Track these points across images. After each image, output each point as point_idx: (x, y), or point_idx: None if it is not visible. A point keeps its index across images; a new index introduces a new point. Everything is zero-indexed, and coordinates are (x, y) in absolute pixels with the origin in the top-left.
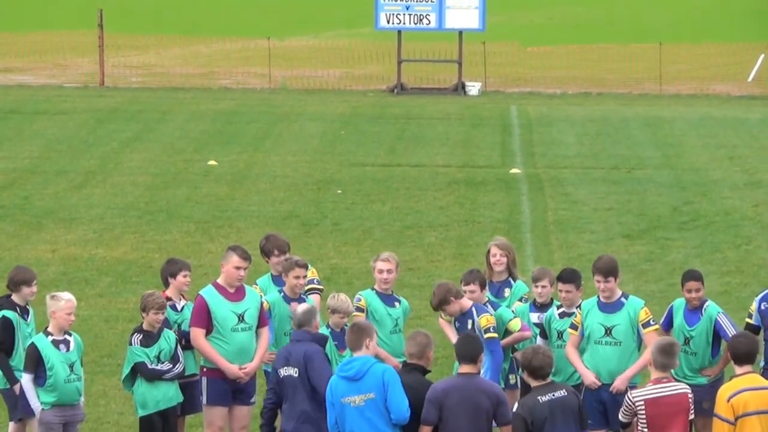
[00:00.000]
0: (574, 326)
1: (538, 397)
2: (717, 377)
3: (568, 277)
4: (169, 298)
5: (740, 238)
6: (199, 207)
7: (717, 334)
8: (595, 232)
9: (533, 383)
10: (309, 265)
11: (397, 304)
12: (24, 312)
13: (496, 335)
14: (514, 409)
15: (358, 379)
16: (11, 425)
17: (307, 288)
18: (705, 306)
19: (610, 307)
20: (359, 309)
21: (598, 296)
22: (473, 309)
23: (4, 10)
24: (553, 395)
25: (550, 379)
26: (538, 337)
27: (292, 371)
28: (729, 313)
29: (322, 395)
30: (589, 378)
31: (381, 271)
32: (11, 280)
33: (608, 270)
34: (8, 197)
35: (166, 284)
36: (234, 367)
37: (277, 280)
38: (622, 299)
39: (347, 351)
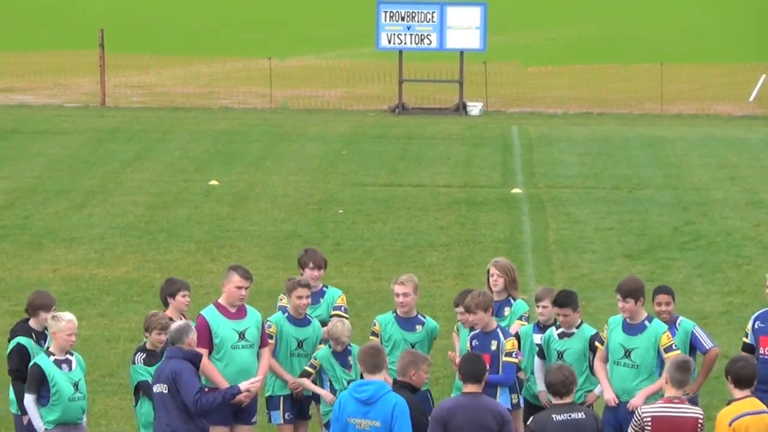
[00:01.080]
0: (600, 341)
1: (553, 415)
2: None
3: (563, 301)
4: (170, 318)
5: (741, 258)
6: (200, 227)
7: (693, 347)
8: (596, 251)
9: (553, 401)
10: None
11: (418, 327)
12: (41, 338)
13: (516, 361)
14: (528, 423)
15: (370, 403)
16: None
17: (332, 314)
18: (678, 321)
19: (632, 328)
20: (374, 334)
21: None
22: (499, 330)
23: (4, 30)
24: (569, 416)
25: (571, 399)
26: (536, 358)
27: (162, 388)
28: (731, 333)
29: (192, 410)
30: (609, 394)
31: (397, 295)
32: (30, 304)
33: (628, 291)
34: (9, 217)
35: (166, 304)
36: (236, 388)
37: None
38: (646, 322)
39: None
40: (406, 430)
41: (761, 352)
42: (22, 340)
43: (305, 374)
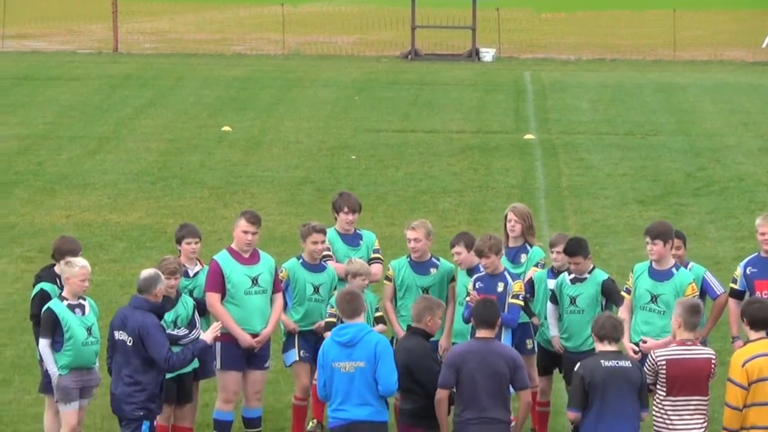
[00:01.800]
0: (627, 290)
1: (601, 361)
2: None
3: (573, 250)
4: (183, 265)
5: (754, 203)
6: (213, 173)
7: (703, 292)
8: (609, 197)
9: (600, 347)
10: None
11: (433, 270)
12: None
13: (521, 303)
14: (575, 368)
15: (352, 345)
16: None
17: (372, 257)
18: (689, 266)
19: (659, 274)
20: (387, 278)
21: (651, 261)
22: (506, 273)
23: None
24: (617, 363)
25: (618, 347)
26: (549, 303)
27: (125, 337)
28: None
29: (161, 366)
30: (628, 350)
31: (409, 240)
32: (57, 250)
33: (657, 233)
34: (22, 163)
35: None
36: (248, 336)
37: (346, 237)
38: (673, 269)
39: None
40: (390, 367)
41: (759, 295)
42: (45, 285)
43: (330, 325)
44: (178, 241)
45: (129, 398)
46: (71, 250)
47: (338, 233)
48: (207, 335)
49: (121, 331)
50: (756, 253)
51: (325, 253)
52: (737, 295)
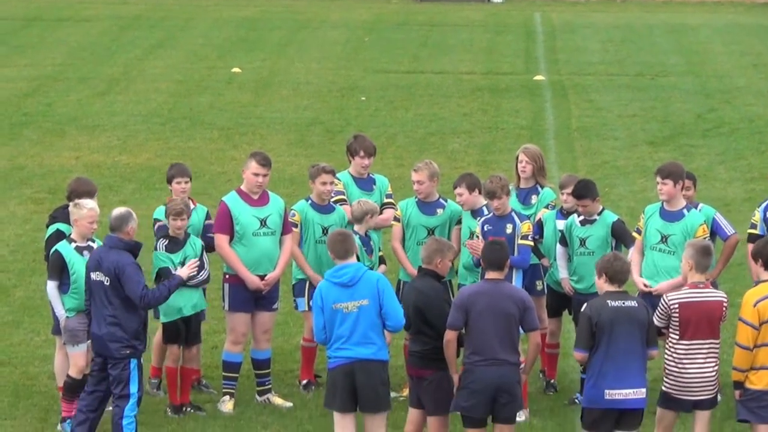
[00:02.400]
0: (638, 230)
1: (608, 301)
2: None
3: (580, 193)
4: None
5: (764, 144)
6: (223, 114)
7: (713, 234)
8: (618, 138)
9: (607, 287)
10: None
11: (439, 210)
12: None
13: (531, 243)
14: (582, 309)
15: (352, 285)
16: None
17: (385, 201)
18: (699, 208)
19: (670, 215)
20: (396, 219)
21: (662, 202)
22: (514, 214)
23: None
24: (623, 303)
25: (624, 288)
26: (558, 245)
27: (103, 278)
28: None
29: (136, 303)
30: (639, 280)
31: (413, 182)
32: (73, 191)
33: (668, 172)
34: (31, 104)
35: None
36: (255, 278)
37: (360, 181)
38: (684, 210)
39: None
40: (395, 301)
41: None
42: (61, 226)
43: None
44: (169, 181)
45: (113, 338)
46: (87, 191)
47: (352, 177)
48: (182, 271)
49: (97, 272)
50: None
51: (339, 197)
52: (755, 240)
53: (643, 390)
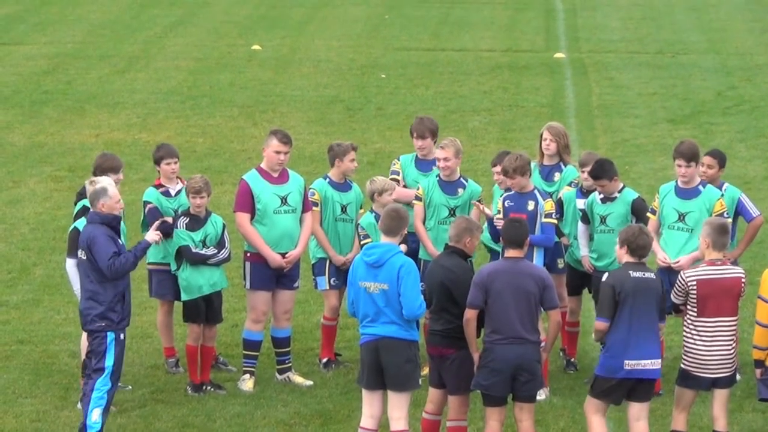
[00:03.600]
0: (653, 211)
1: (630, 272)
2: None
3: (597, 174)
4: (160, 185)
5: None
6: (243, 92)
7: (737, 214)
8: (639, 116)
9: (628, 259)
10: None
11: (460, 190)
12: None
13: (555, 222)
14: (604, 279)
15: (378, 266)
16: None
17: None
18: (724, 187)
19: (686, 192)
20: (417, 198)
21: (677, 181)
22: (536, 191)
23: None
24: (643, 274)
25: (645, 260)
26: (580, 222)
27: (82, 254)
28: None
29: (106, 270)
30: (661, 254)
31: (439, 159)
32: (98, 167)
33: (692, 154)
34: (51, 82)
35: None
36: (277, 256)
37: (421, 164)
38: (700, 187)
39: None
40: (412, 290)
41: None
42: (86, 202)
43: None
44: (157, 162)
45: (89, 311)
46: (111, 167)
47: (416, 157)
48: (149, 236)
49: (80, 249)
50: None
51: (393, 176)
52: None
53: (659, 360)
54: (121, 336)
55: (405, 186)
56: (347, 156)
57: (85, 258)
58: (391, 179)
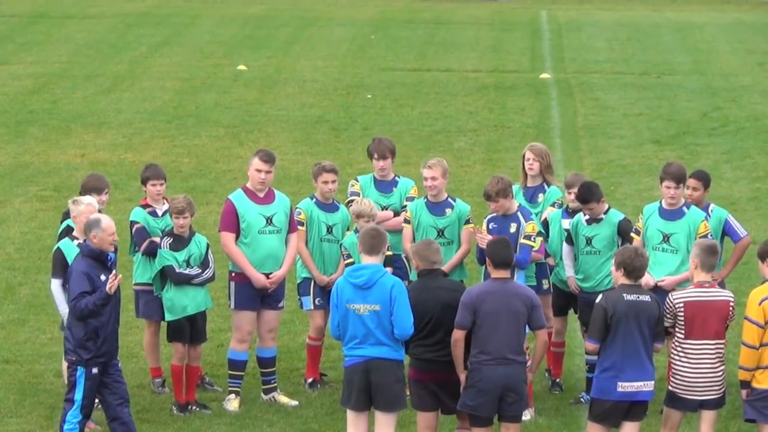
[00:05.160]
0: (636, 231)
1: (624, 294)
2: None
3: (585, 197)
4: (147, 205)
5: None
6: (229, 112)
7: (724, 234)
8: (624, 137)
9: (623, 281)
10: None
11: (448, 210)
12: None
13: (534, 245)
14: (598, 300)
15: (367, 288)
16: None
17: (405, 204)
18: (710, 208)
19: (671, 214)
20: (406, 221)
21: (661, 201)
22: (519, 213)
23: None
24: (638, 297)
25: (639, 282)
26: (565, 243)
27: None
28: (759, 218)
29: (69, 307)
30: (645, 278)
31: (426, 179)
32: (83, 187)
33: (681, 176)
34: (37, 101)
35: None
36: (261, 277)
37: (380, 184)
38: (684, 208)
39: None
40: (405, 310)
41: None
42: (71, 222)
43: (349, 265)
44: (144, 183)
45: (65, 341)
46: (94, 187)
47: (374, 179)
48: (108, 285)
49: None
50: None
51: (353, 197)
52: None
53: (652, 382)
54: (93, 371)
55: None
56: (320, 177)
57: (68, 288)
58: (350, 201)
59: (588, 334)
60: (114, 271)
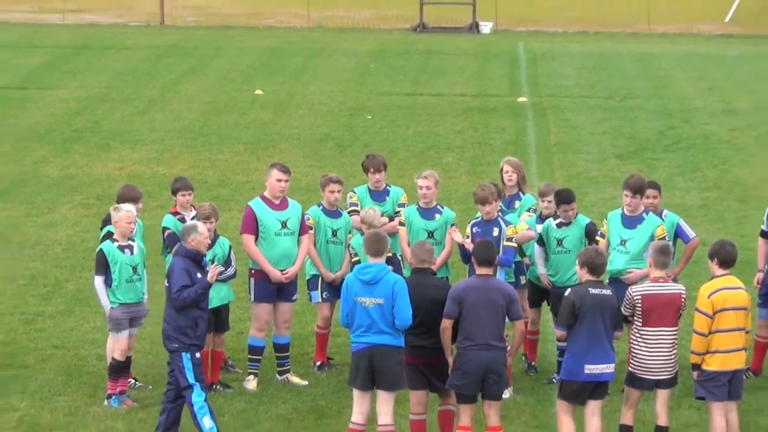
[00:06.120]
0: (602, 234)
1: (589, 289)
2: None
3: (569, 198)
4: (176, 212)
5: (717, 158)
6: (247, 130)
7: (677, 236)
8: (591, 153)
9: (587, 278)
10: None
11: (437, 215)
12: None
13: (515, 245)
14: (566, 293)
15: (373, 283)
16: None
17: (396, 210)
18: (664, 213)
19: (630, 221)
20: (401, 224)
21: (623, 209)
22: (500, 219)
23: None
24: (601, 291)
25: (602, 278)
26: (536, 245)
27: (165, 281)
28: (708, 223)
29: (171, 299)
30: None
31: (420, 188)
32: (120, 197)
33: (639, 187)
34: (81, 121)
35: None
36: (278, 273)
37: (375, 194)
38: (643, 215)
39: None
40: (406, 304)
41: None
42: (111, 227)
43: (356, 263)
44: (174, 193)
45: (165, 334)
46: (131, 197)
47: (369, 190)
48: (208, 276)
49: (166, 277)
50: None
51: (352, 208)
52: (764, 235)
53: (614, 365)
54: (197, 354)
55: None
56: (327, 187)
57: (167, 284)
58: (351, 211)
59: (557, 323)
60: (215, 263)
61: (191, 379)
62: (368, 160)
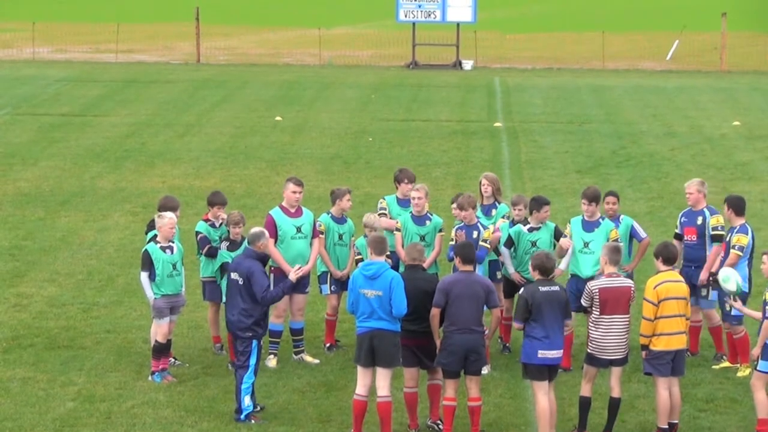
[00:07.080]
0: (565, 236)
1: (539, 287)
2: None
3: (546, 201)
4: (208, 219)
5: (660, 173)
6: (269, 150)
7: (631, 237)
8: (555, 168)
9: (538, 277)
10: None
11: (428, 222)
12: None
13: (489, 246)
14: (520, 292)
15: (374, 278)
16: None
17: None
18: (620, 217)
19: (589, 225)
20: (398, 229)
21: (583, 216)
22: (479, 223)
23: (127, 7)
24: (550, 288)
25: (551, 276)
26: (503, 247)
27: (237, 277)
28: (652, 227)
29: (260, 299)
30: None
31: (413, 198)
32: (162, 206)
33: (594, 197)
34: (130, 143)
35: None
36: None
37: (402, 202)
38: (600, 220)
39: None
40: (401, 297)
41: (686, 238)
42: (156, 232)
43: (359, 260)
44: (211, 205)
45: (241, 324)
46: (171, 206)
47: (397, 198)
48: (291, 276)
49: (235, 273)
50: (688, 208)
51: (381, 211)
52: (677, 237)
53: (562, 351)
54: (261, 342)
55: (391, 217)
56: (344, 197)
57: (242, 283)
58: (380, 212)
59: (513, 317)
60: (298, 264)
61: (252, 362)
62: (403, 173)
